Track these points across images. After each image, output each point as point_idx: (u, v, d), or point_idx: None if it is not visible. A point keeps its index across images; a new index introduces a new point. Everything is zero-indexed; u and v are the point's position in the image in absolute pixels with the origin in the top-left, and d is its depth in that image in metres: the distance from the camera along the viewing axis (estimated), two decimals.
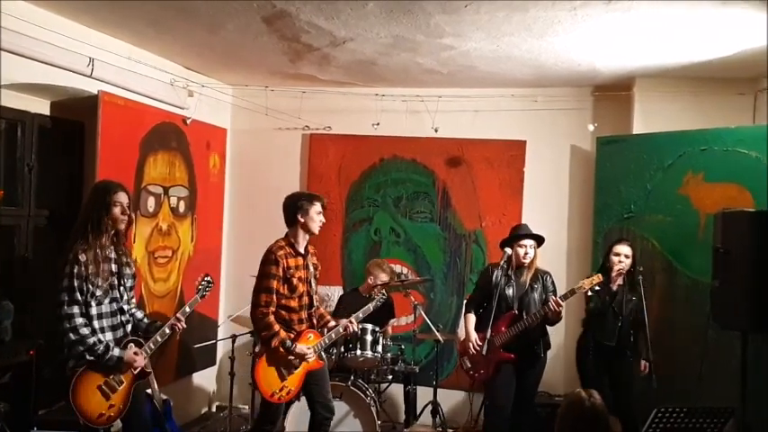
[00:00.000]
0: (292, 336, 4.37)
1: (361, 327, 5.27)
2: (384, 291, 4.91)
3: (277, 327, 4.29)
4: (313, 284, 4.52)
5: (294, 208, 4.41)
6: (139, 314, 4.04)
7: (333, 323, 4.61)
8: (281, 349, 4.28)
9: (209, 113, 6.29)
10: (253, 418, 5.68)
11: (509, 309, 4.88)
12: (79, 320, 3.62)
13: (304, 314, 4.47)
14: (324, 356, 4.65)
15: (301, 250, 4.46)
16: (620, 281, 4.92)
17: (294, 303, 4.39)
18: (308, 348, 4.38)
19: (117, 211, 3.77)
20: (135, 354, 3.79)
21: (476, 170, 6.27)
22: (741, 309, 4.25)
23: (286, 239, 4.44)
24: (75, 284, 3.60)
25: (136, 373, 3.84)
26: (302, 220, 4.40)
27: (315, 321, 4.56)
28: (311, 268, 4.51)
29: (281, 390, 4.38)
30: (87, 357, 3.64)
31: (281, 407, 4.53)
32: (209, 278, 4.21)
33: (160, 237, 5.62)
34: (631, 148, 5.55)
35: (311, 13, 4.26)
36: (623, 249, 4.97)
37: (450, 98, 6.10)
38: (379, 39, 4.73)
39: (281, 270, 4.29)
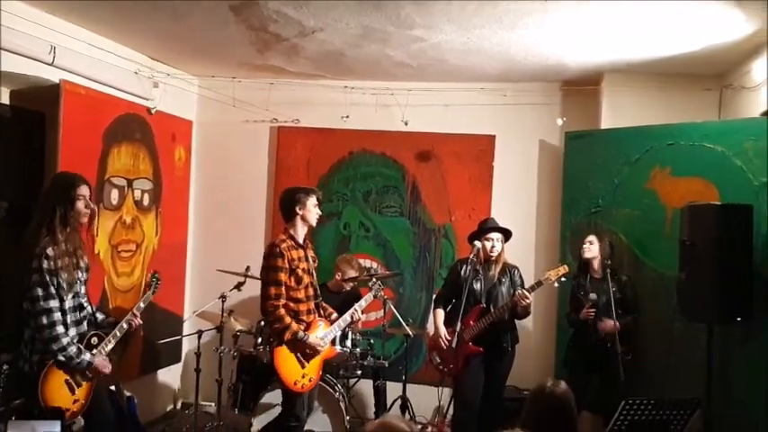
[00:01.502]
0: (303, 327, 4.43)
1: None
2: (380, 283, 5.02)
3: (288, 319, 4.36)
4: (315, 275, 4.63)
5: (291, 202, 4.52)
6: (92, 309, 3.96)
7: (335, 314, 4.72)
8: (294, 341, 4.37)
9: (175, 105, 6.17)
10: (218, 415, 5.60)
11: (477, 303, 4.89)
12: (57, 316, 3.56)
13: (311, 304, 4.57)
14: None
15: (301, 242, 4.55)
16: (598, 273, 4.98)
17: (301, 295, 4.48)
18: (320, 339, 4.49)
19: (81, 205, 3.72)
20: (105, 359, 3.78)
21: (445, 164, 6.25)
22: (707, 301, 4.28)
23: (286, 233, 4.52)
24: (48, 279, 3.53)
25: None
26: (300, 213, 4.51)
27: (322, 311, 4.68)
28: (311, 260, 4.60)
29: (302, 377, 4.44)
30: (58, 357, 3.57)
31: (305, 400, 4.54)
32: (157, 274, 4.27)
33: (124, 230, 5.50)
34: (599, 143, 5.58)
35: (279, 1, 4.20)
36: (588, 237, 5.11)
37: (421, 92, 6.06)
38: (348, 29, 4.68)
39: (286, 262, 4.37)
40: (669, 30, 4.44)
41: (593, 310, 4.91)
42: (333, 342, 4.83)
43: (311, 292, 4.57)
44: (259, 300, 4.46)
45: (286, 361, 4.39)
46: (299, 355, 4.42)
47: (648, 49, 4.87)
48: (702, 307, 4.31)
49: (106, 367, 3.78)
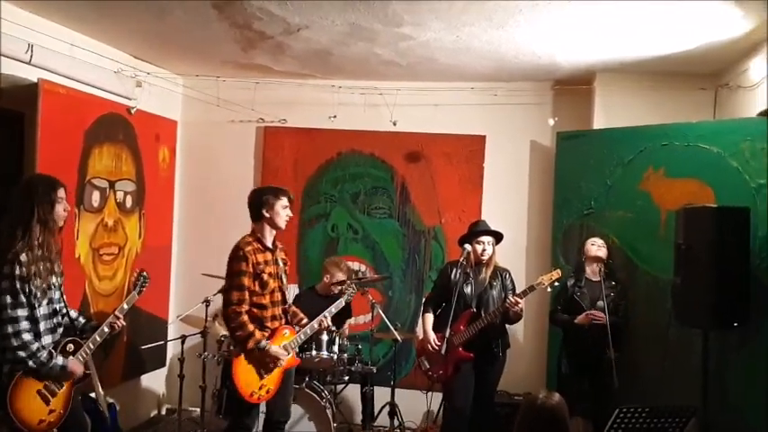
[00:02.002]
0: (267, 334, 4.24)
1: None
2: (353, 285, 4.84)
3: (251, 327, 4.16)
4: (284, 280, 4.41)
5: (259, 203, 4.28)
6: (73, 313, 3.83)
7: (305, 320, 4.51)
8: (256, 350, 4.16)
9: (159, 104, 6.05)
10: (203, 421, 5.48)
11: (467, 307, 4.79)
12: (24, 325, 3.42)
13: (277, 311, 4.35)
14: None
15: (269, 245, 4.33)
16: (596, 276, 4.90)
17: (266, 300, 4.26)
18: (283, 349, 4.28)
19: (61, 208, 3.61)
20: (78, 361, 3.65)
21: (435, 165, 6.15)
22: (702, 306, 4.19)
23: (253, 235, 4.31)
24: (18, 286, 3.40)
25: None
26: (268, 216, 4.27)
27: (289, 318, 4.46)
28: (280, 263, 4.39)
29: (260, 389, 4.24)
30: (29, 365, 3.45)
31: (258, 410, 4.38)
32: (144, 273, 4.00)
33: (105, 233, 5.37)
34: (592, 144, 5.49)
35: None
36: (597, 240, 5.02)
37: (410, 91, 5.96)
38: (334, 26, 4.57)
39: (250, 266, 4.17)
40: (663, 27, 4.35)
41: (592, 317, 4.80)
42: (302, 349, 4.69)
43: (278, 297, 4.34)
44: None
45: (244, 371, 4.18)
46: (259, 365, 4.22)
47: (642, 47, 4.79)
48: (698, 312, 4.22)
49: (79, 369, 3.65)
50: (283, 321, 4.40)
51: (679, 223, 4.40)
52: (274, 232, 4.36)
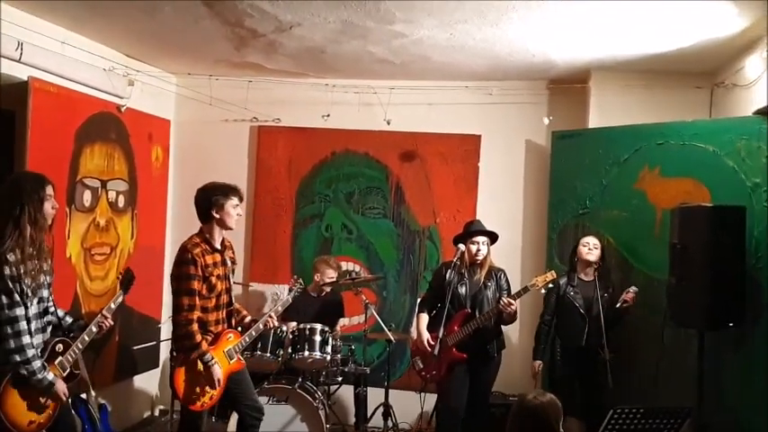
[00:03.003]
0: (209, 339, 4.11)
1: (309, 326, 5.12)
2: (301, 281, 4.69)
3: (199, 337, 4.03)
4: (231, 281, 4.28)
5: (208, 203, 4.11)
6: (61, 312, 3.76)
7: (249, 319, 4.40)
8: (199, 362, 4.05)
9: (152, 103, 6.02)
10: None
11: (462, 307, 4.74)
12: (23, 326, 3.36)
13: (221, 314, 4.22)
14: (240, 357, 4.38)
15: (218, 246, 4.19)
16: (589, 276, 4.85)
17: (211, 303, 4.13)
18: (227, 354, 4.18)
19: (49, 205, 3.54)
20: (64, 383, 3.57)
21: (430, 165, 6.12)
22: (698, 306, 4.15)
23: (201, 235, 4.14)
24: (11, 285, 3.34)
25: (65, 375, 3.60)
26: (218, 216, 4.11)
27: (233, 320, 4.34)
28: (228, 263, 4.26)
29: (203, 396, 4.13)
30: (20, 370, 3.38)
31: (204, 414, 4.31)
32: (131, 272, 3.92)
33: (97, 232, 5.34)
34: (587, 143, 5.46)
35: None
36: (590, 240, 4.95)
37: (404, 90, 5.92)
38: (327, 24, 4.54)
39: (199, 269, 4.02)
40: (659, 25, 4.32)
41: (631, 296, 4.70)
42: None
43: (224, 300, 4.20)
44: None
45: (187, 379, 4.07)
46: (201, 375, 4.08)
47: (637, 45, 4.76)
48: (693, 312, 4.18)
49: (64, 394, 3.56)
50: (226, 325, 4.27)
51: (674, 223, 4.36)
52: (224, 232, 4.23)
